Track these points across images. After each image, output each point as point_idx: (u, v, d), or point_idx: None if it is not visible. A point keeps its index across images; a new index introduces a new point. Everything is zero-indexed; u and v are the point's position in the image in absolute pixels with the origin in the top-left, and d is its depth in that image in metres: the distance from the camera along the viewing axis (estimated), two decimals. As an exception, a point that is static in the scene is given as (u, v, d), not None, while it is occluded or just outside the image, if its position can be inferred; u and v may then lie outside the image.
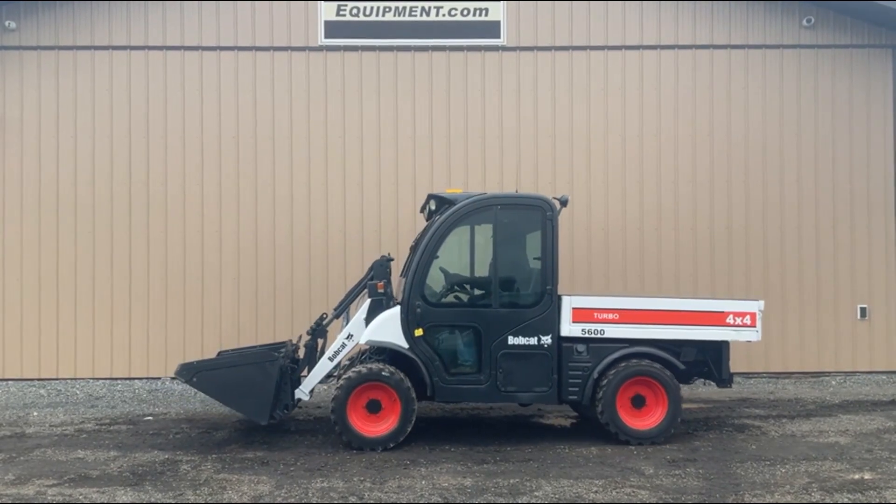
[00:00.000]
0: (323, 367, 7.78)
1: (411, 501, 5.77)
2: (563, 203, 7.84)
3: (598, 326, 7.63)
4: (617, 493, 5.98)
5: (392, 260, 8.12)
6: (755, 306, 7.81)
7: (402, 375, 7.37)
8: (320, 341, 8.20)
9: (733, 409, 9.43)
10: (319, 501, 5.78)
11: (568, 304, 7.62)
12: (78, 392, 10.72)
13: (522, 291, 7.83)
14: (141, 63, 11.56)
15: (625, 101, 11.70)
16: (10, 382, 11.21)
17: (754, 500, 5.77)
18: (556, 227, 7.67)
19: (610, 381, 7.46)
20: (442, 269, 7.86)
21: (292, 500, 5.81)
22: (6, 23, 11.41)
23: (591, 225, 11.52)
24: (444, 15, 11.62)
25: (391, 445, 7.32)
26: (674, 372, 7.60)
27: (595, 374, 7.53)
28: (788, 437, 7.84)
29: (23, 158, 11.44)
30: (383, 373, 7.35)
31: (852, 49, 11.78)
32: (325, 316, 8.34)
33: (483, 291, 7.84)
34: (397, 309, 7.58)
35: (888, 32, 11.74)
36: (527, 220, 7.83)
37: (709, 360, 7.87)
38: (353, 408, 7.35)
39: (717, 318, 7.75)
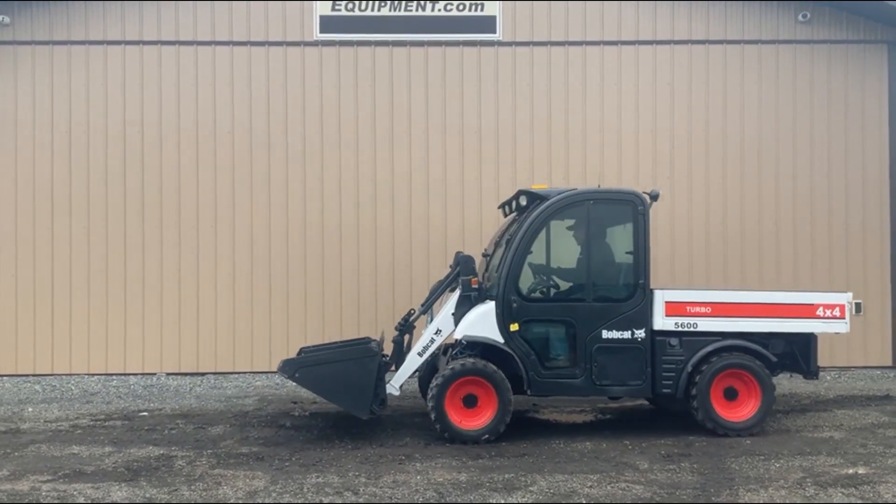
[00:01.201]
0: (412, 362, 7.81)
1: (406, 496, 5.78)
2: (654, 197, 7.89)
3: (691, 320, 7.69)
4: (611, 487, 5.99)
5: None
6: (844, 298, 7.92)
7: (496, 369, 7.41)
8: (406, 337, 8.21)
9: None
10: (315, 497, 5.78)
11: (661, 297, 7.69)
12: (73, 388, 10.70)
13: (615, 285, 7.89)
14: (136, 58, 11.53)
15: (621, 97, 11.70)
16: (4, 378, 11.19)
17: (748, 495, 5.78)
18: (647, 221, 7.73)
19: (705, 374, 7.53)
20: (535, 265, 7.91)
21: (287, 496, 5.81)
22: (0, 17, 11.37)
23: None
24: (439, 10, 11.60)
25: (491, 439, 7.36)
26: (765, 364, 7.70)
27: (689, 368, 7.59)
28: (783, 432, 7.86)
29: (17, 154, 11.42)
30: (479, 367, 7.38)
31: (848, 44, 11.80)
32: (412, 312, 8.34)
33: (577, 286, 7.89)
34: (492, 304, 7.60)
35: (883, 28, 11.75)
36: (619, 214, 7.89)
37: (796, 352, 7.97)
38: (451, 402, 7.39)
39: (807, 311, 7.85)
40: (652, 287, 7.77)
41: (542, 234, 7.78)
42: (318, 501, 5.68)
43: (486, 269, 8.14)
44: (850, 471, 6.41)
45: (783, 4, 11.76)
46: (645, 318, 7.65)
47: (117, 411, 9.22)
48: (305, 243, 11.53)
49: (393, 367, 7.93)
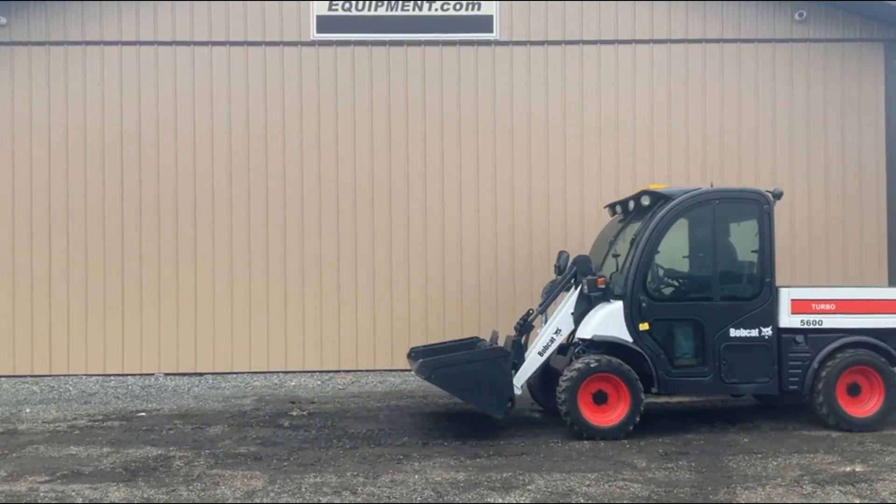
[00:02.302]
0: (533, 361, 7.84)
1: (404, 496, 5.78)
2: (777, 196, 7.98)
3: (816, 317, 7.82)
4: (609, 486, 6.00)
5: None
6: None
7: (630, 367, 7.46)
8: (523, 337, 8.24)
9: (725, 401, 9.46)
10: (313, 496, 5.79)
11: (786, 295, 7.82)
12: (71, 388, 10.69)
13: (742, 284, 8.02)
14: (132, 59, 11.52)
15: (618, 96, 11.70)
16: (2, 379, 11.17)
17: (746, 493, 5.79)
18: (772, 219, 7.87)
19: (831, 371, 7.64)
20: (662, 264, 7.99)
21: (285, 496, 5.81)
22: (-4, 18, 11.39)
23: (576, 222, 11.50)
24: (436, 10, 11.61)
25: (622, 436, 7.41)
26: (888, 360, 7.81)
27: (815, 364, 7.69)
28: (780, 430, 7.87)
29: (14, 154, 11.40)
30: (614, 364, 7.43)
31: (844, 43, 11.82)
32: (531, 312, 8.37)
33: (704, 285, 7.98)
34: (619, 304, 7.66)
35: (879, 26, 11.77)
36: (744, 213, 8.03)
37: None
38: (581, 398, 7.42)
39: None
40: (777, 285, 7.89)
41: (669, 233, 7.85)
42: (316, 501, 5.68)
43: (616, 270, 8.04)
44: (848, 469, 6.43)
45: (779, 4, 11.77)
46: (771, 316, 7.77)
47: (115, 412, 9.21)
48: (303, 242, 11.52)
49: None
